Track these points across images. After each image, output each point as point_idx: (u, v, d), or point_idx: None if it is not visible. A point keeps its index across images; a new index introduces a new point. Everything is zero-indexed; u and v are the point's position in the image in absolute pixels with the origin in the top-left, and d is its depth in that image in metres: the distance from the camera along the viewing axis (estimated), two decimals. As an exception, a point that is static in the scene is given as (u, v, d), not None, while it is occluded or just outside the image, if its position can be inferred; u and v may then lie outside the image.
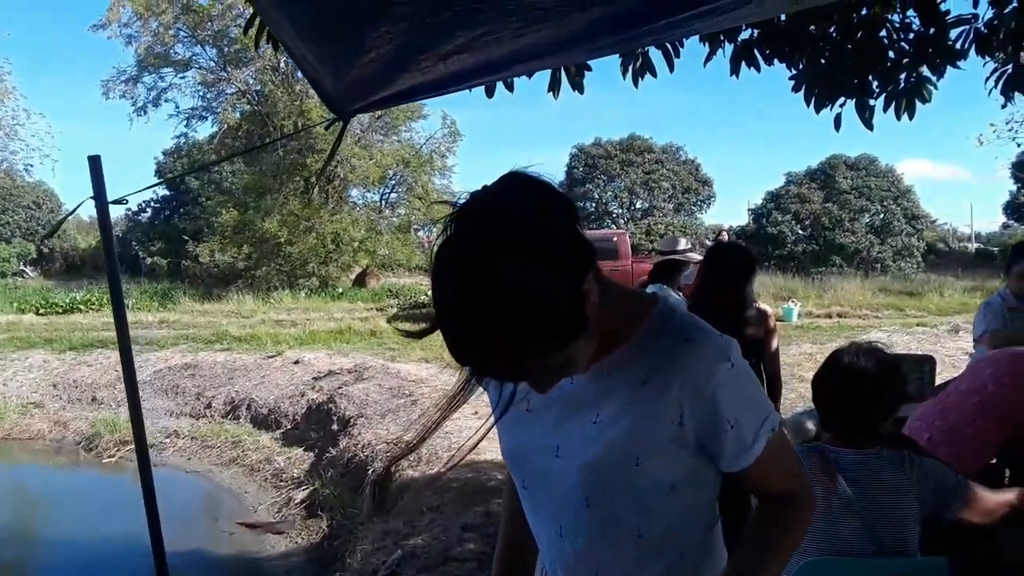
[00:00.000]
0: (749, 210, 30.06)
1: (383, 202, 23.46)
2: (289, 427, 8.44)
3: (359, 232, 20.42)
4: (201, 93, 24.00)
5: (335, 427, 7.54)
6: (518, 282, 0.86)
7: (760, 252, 26.70)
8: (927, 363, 4.03)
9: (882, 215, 27.27)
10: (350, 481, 6.39)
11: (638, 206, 31.11)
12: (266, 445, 8.04)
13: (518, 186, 0.95)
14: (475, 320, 0.88)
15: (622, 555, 1.14)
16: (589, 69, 3.30)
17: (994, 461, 3.40)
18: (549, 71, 3.35)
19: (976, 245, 33.28)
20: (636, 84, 3.82)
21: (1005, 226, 32.82)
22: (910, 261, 26.32)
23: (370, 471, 6.12)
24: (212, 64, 23.14)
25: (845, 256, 26.29)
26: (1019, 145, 22.24)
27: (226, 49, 22.10)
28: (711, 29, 2.45)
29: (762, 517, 1.21)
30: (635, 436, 1.07)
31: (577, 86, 3.34)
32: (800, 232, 27.47)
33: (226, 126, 22.42)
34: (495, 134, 66.68)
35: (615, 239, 14.21)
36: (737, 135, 61.81)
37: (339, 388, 8.38)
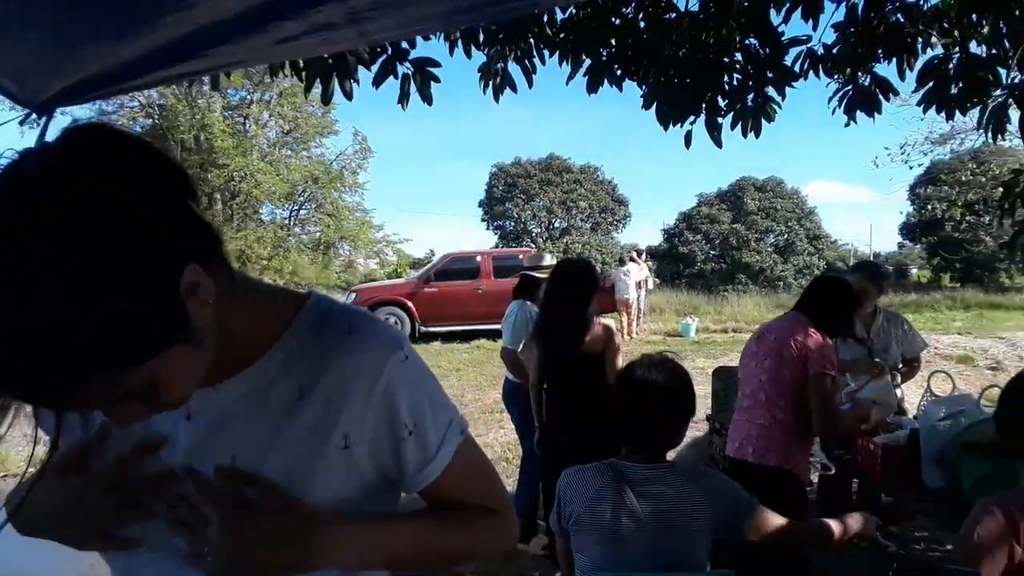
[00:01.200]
0: (662, 230, 30.85)
1: (292, 219, 22.98)
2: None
3: (265, 250, 19.89)
4: (99, 105, 23.05)
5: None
6: (70, 268, 0.58)
7: (672, 270, 27.45)
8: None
9: (786, 235, 28.39)
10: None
11: (556, 225, 31.50)
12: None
13: (90, 143, 0.68)
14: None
15: None
16: (437, 80, 3.26)
17: (832, 472, 3.50)
18: (397, 81, 3.31)
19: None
20: (496, 99, 3.82)
21: (900, 245, 34.66)
22: (811, 279, 27.40)
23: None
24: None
25: (751, 274, 27.22)
26: (911, 168, 23.55)
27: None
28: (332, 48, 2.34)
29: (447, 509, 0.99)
30: (294, 471, 0.84)
31: (426, 98, 3.30)
32: (710, 251, 28.30)
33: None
34: (411, 150, 66.78)
35: (521, 256, 14.29)
36: (653, 156, 63.61)
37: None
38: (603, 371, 3.40)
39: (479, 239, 35.83)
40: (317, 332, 0.87)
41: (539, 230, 31.54)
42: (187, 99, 19.00)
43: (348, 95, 3.06)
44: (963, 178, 24.99)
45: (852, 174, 76.58)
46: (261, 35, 1.05)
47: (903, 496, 3.28)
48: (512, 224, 31.52)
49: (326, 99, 3.09)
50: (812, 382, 2.92)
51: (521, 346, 4.07)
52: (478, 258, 14.34)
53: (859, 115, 3.63)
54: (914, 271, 32.45)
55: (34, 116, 1.50)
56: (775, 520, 1.97)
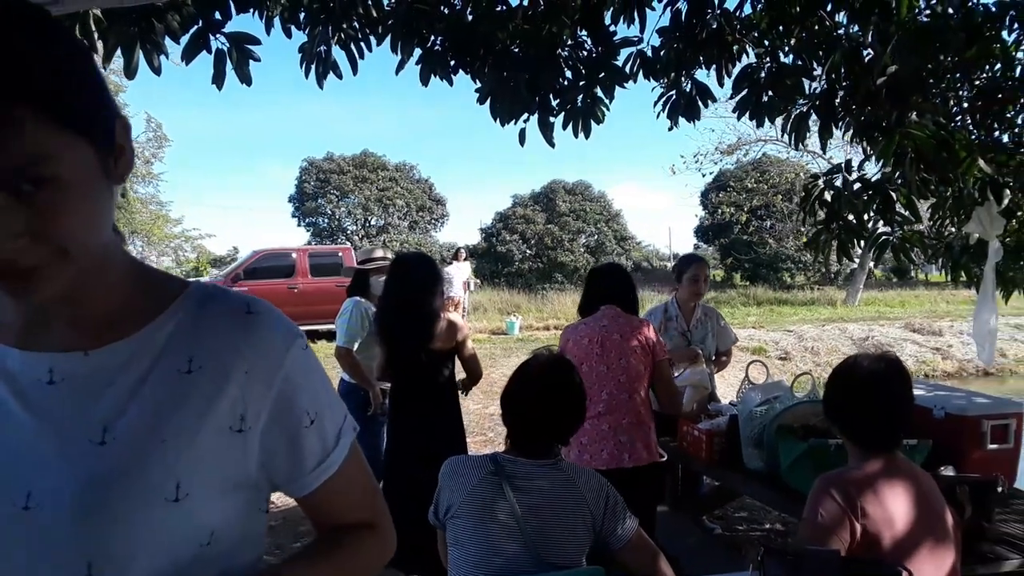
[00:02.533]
0: (480, 229, 31.19)
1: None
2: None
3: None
4: None
5: None
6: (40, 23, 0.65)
7: (491, 269, 27.87)
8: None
9: (596, 236, 29.76)
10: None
11: (373, 223, 30.89)
12: None
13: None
14: None
15: None
16: (256, 59, 2.98)
17: (664, 458, 3.63)
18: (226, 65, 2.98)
19: (673, 264, 37.82)
20: (320, 85, 3.58)
21: (696, 247, 37.59)
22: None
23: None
24: None
25: (566, 273, 28.23)
26: (703, 175, 25.62)
27: None
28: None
29: (324, 538, 0.94)
30: (175, 453, 0.75)
31: (244, 78, 3.00)
32: (527, 251, 29.01)
33: None
34: (215, 142, 63.11)
35: (341, 254, 13.80)
36: (470, 156, 64.46)
37: None
38: (448, 365, 3.35)
39: (290, 236, 34.38)
40: (207, 308, 0.81)
41: (355, 227, 30.79)
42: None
43: (156, 71, 2.71)
44: (748, 185, 27.55)
45: (651, 180, 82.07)
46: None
47: (725, 478, 3.46)
48: (326, 221, 30.55)
49: (129, 73, 2.69)
50: (661, 368, 3.11)
51: (356, 345, 3.86)
52: (293, 255, 13.59)
53: (680, 120, 3.80)
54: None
55: None
56: (649, 546, 2.00)
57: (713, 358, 4.33)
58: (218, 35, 2.91)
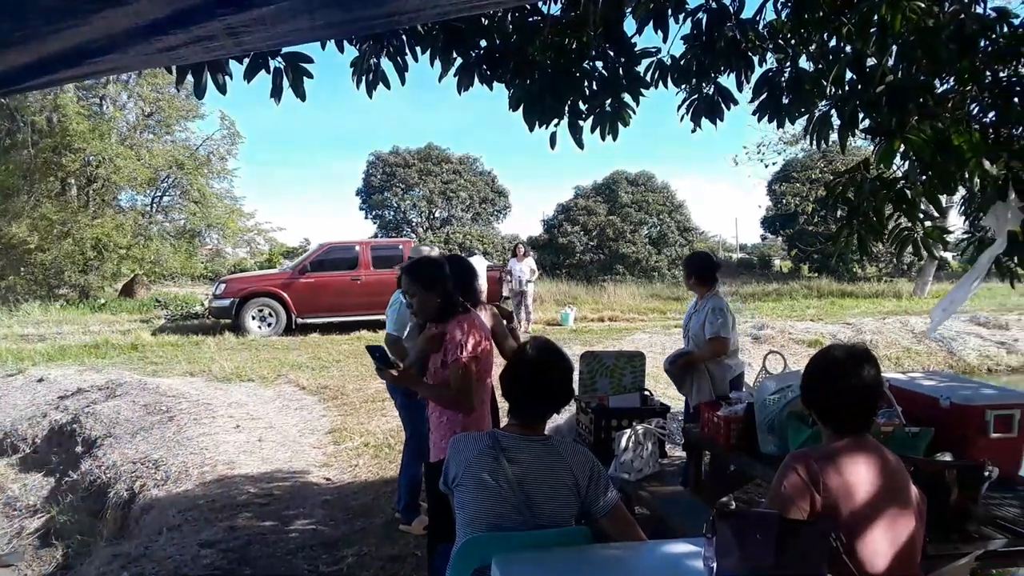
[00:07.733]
0: (542, 221, 31.42)
1: (154, 206, 21.84)
2: (28, 451, 7.64)
3: (124, 238, 18.80)
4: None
5: (79, 449, 6.93)
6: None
7: (552, 261, 28.06)
8: (638, 358, 4.48)
9: (659, 227, 29.61)
10: (91, 505, 5.91)
11: (437, 215, 31.47)
12: (-2, 472, 7.22)
13: None
14: None
15: None
16: (310, 76, 3.33)
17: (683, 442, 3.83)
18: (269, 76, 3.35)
19: (741, 255, 37.31)
20: (370, 95, 3.90)
21: (763, 238, 36.94)
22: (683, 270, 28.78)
23: (111, 493, 5.70)
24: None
25: (627, 265, 28.22)
26: (766, 166, 25.24)
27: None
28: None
29: None
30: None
31: (299, 94, 3.35)
32: (588, 242, 29.09)
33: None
34: (283, 137, 64.87)
35: (401, 247, 14.30)
36: (530, 148, 64.60)
37: (87, 407, 7.70)
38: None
39: (358, 228, 35.35)
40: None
41: (419, 220, 31.43)
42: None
43: (221, 89, 3.08)
44: (814, 175, 27.00)
45: (717, 170, 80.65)
46: (145, 46, 1.16)
47: (740, 462, 3.67)
48: (392, 213, 31.28)
49: (199, 93, 3.09)
50: None
51: (406, 333, 4.21)
52: (357, 248, 14.17)
53: (704, 122, 3.99)
54: (777, 262, 34.58)
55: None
56: (627, 516, 2.30)
57: None
58: (276, 56, 3.27)
